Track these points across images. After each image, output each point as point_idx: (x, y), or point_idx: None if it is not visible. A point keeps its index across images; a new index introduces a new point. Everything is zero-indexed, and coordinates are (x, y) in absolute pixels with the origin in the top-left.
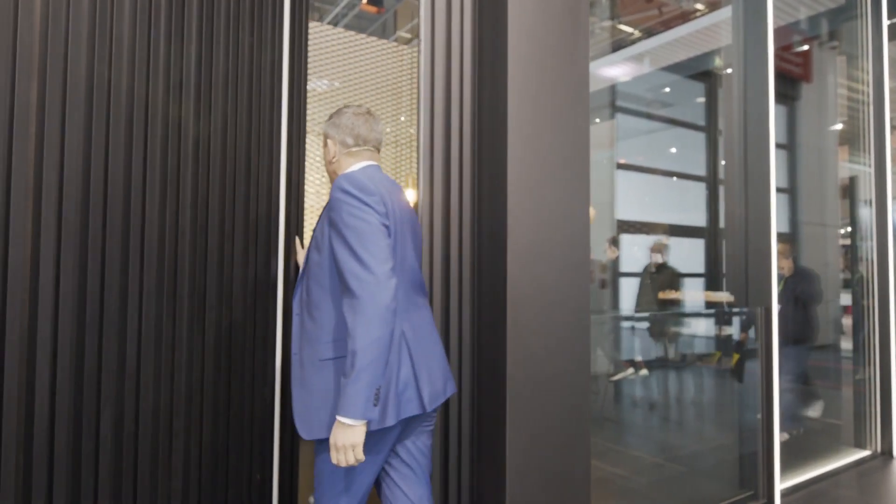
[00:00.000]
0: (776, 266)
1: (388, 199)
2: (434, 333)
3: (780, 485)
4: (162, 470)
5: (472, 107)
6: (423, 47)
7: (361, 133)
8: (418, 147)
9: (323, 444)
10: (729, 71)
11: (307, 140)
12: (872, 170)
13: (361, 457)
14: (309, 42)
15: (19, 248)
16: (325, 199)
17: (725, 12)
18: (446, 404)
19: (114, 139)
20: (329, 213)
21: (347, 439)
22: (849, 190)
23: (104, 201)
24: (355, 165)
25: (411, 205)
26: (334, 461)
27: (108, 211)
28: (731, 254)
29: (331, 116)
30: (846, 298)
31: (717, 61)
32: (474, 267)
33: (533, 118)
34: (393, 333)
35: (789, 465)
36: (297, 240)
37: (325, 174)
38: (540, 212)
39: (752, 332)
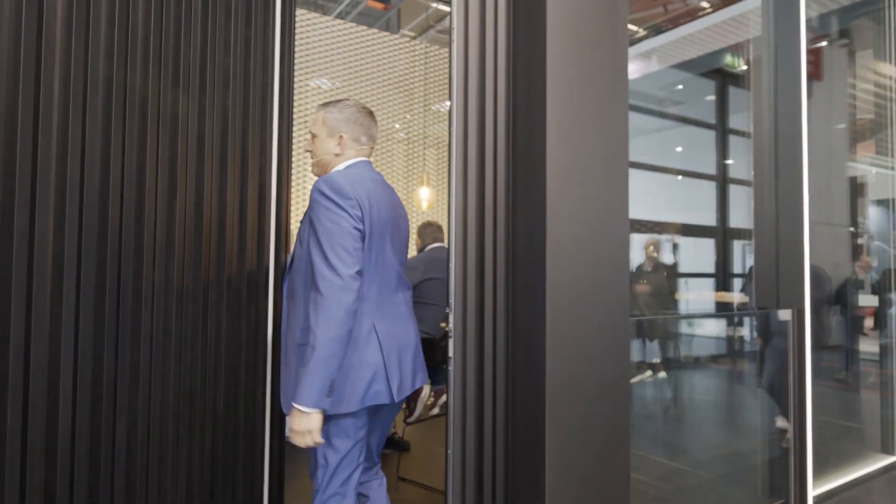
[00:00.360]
0: (808, 267)
1: (368, 201)
2: (409, 328)
3: (812, 491)
4: (170, 478)
5: (506, 99)
6: (456, 36)
7: (372, 133)
8: (450, 142)
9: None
10: (745, 67)
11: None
12: None
13: (319, 440)
14: (317, 36)
15: (44, 248)
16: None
17: (748, 4)
18: (480, 415)
19: (128, 139)
20: (308, 213)
21: (303, 425)
22: (865, 190)
23: (121, 201)
24: (352, 160)
25: (398, 202)
26: (294, 443)
27: (123, 211)
28: (760, 254)
29: (336, 110)
30: (865, 299)
31: (729, 59)
32: (509, 269)
33: (572, 111)
34: (350, 332)
35: (817, 471)
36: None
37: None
38: (580, 210)
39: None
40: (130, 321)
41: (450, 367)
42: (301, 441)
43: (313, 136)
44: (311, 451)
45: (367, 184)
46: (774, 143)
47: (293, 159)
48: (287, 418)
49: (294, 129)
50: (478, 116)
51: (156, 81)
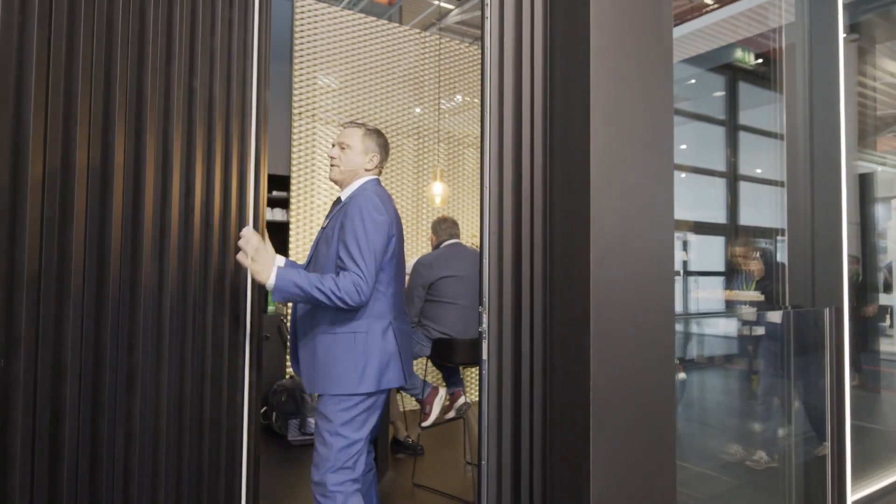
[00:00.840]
0: (847, 265)
1: (394, 216)
2: (408, 324)
3: (851, 497)
4: (164, 490)
5: (543, 78)
6: (490, 13)
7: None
8: (482, 128)
9: (321, 402)
10: (759, 61)
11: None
12: None
13: (250, 262)
14: (326, 27)
15: (51, 240)
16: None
17: None
18: (517, 422)
19: (128, 131)
20: (345, 220)
21: (257, 273)
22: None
23: (122, 193)
24: (372, 177)
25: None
26: (243, 248)
27: (125, 204)
28: (793, 253)
29: (375, 135)
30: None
31: (740, 53)
32: (547, 264)
33: (618, 90)
34: (313, 306)
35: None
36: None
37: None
38: (626, 200)
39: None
40: (128, 321)
41: (484, 371)
42: (245, 254)
43: (344, 146)
44: (331, 437)
45: (389, 202)
46: (810, 137)
47: (294, 159)
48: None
49: (299, 123)
50: (514, 98)
51: (152, 62)
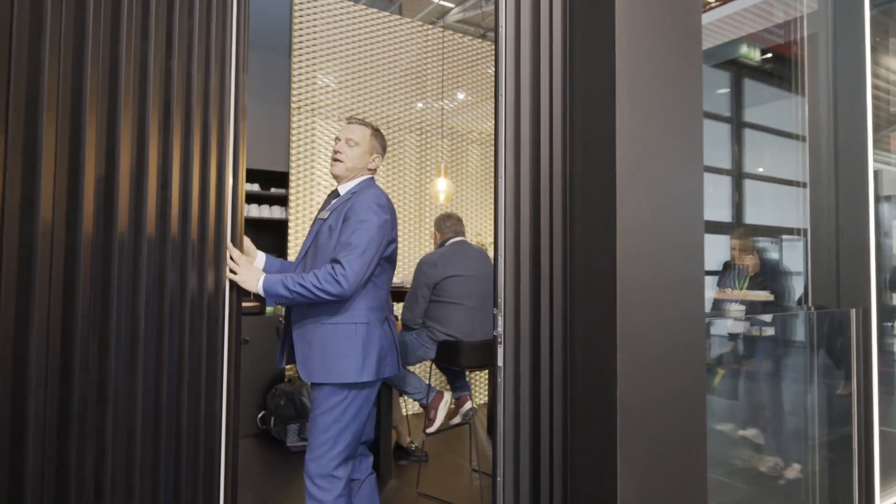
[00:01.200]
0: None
1: (394, 213)
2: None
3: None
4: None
5: (562, 59)
6: None
7: None
8: (496, 113)
9: (321, 391)
10: (759, 59)
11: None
12: None
13: (233, 275)
14: (325, 19)
15: (13, 239)
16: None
17: None
18: (537, 433)
19: (100, 115)
20: (350, 213)
21: (243, 282)
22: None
23: (94, 184)
24: (370, 175)
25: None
26: (231, 269)
27: (96, 196)
28: (816, 253)
29: (380, 136)
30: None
31: (745, 49)
32: (566, 262)
33: (644, 75)
34: (298, 305)
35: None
36: (234, 251)
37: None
38: (654, 191)
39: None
40: (99, 325)
41: (499, 378)
42: (231, 271)
43: (351, 143)
44: (332, 424)
45: (389, 200)
46: (834, 134)
47: (292, 155)
48: (243, 276)
49: (298, 117)
50: (531, 81)
51: (127, 40)
